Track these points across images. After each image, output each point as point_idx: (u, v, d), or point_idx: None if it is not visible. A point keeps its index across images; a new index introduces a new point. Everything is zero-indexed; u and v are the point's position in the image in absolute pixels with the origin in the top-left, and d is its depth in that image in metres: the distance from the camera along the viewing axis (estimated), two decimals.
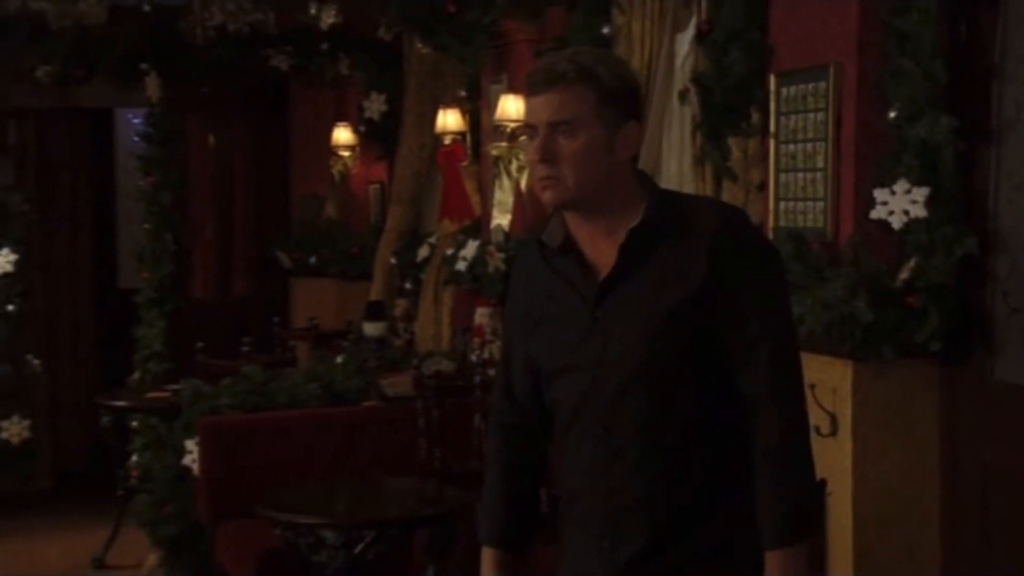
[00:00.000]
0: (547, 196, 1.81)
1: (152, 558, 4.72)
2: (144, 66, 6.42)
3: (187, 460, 4.29)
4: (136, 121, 7.10)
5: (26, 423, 6.34)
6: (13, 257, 6.33)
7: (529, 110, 1.82)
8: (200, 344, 5.33)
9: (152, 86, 6.44)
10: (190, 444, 4.27)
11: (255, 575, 3.82)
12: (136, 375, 6.41)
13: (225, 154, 7.24)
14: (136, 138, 6.83)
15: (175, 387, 4.84)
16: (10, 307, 6.33)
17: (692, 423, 1.82)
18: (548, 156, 1.77)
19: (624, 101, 1.81)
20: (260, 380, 4.36)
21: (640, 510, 1.82)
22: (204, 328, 6.42)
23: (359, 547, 3.28)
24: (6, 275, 6.32)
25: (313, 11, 4.97)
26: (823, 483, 1.90)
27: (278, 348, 6.15)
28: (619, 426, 1.82)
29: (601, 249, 1.83)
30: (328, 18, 4.87)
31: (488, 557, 2.05)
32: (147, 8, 5.59)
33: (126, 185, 7.37)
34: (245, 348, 4.96)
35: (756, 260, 1.83)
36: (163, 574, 4.49)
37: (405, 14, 4.74)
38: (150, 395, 5.37)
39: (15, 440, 6.29)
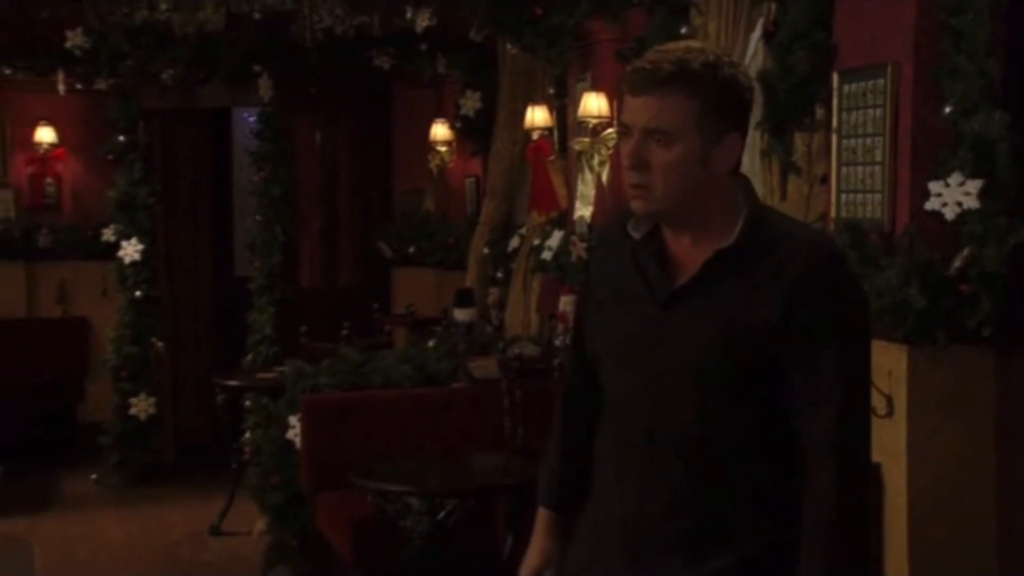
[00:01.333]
0: (636, 204, 1.72)
1: (260, 524, 5.01)
2: (257, 68, 6.65)
3: (290, 434, 4.54)
4: (251, 120, 7.34)
5: (152, 400, 6.65)
6: (140, 247, 6.64)
7: (626, 109, 1.70)
8: (304, 328, 5.57)
9: (265, 87, 6.68)
10: (293, 420, 4.52)
11: (350, 540, 4.06)
12: (249, 357, 6.59)
13: (331, 150, 7.40)
14: (250, 135, 7.04)
15: (282, 368, 5.11)
16: (137, 293, 6.65)
17: (736, 447, 1.73)
18: (639, 163, 1.68)
19: (729, 111, 1.68)
20: (357, 361, 4.59)
21: (669, 520, 1.74)
22: (311, 314, 6.51)
23: (441, 514, 3.52)
24: (134, 263, 6.65)
25: (409, 15, 5.18)
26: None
27: (377, 333, 6.28)
28: (662, 434, 1.74)
29: (686, 253, 1.74)
30: (423, 21, 5.07)
31: (542, 519, 2.03)
32: (257, 16, 5.87)
33: (241, 180, 7.62)
34: (344, 332, 5.22)
35: (840, 306, 1.70)
36: (270, 539, 4.74)
37: (494, 17, 4.91)
38: (260, 375, 5.67)
39: (142, 416, 6.63)
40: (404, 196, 7.67)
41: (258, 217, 6.84)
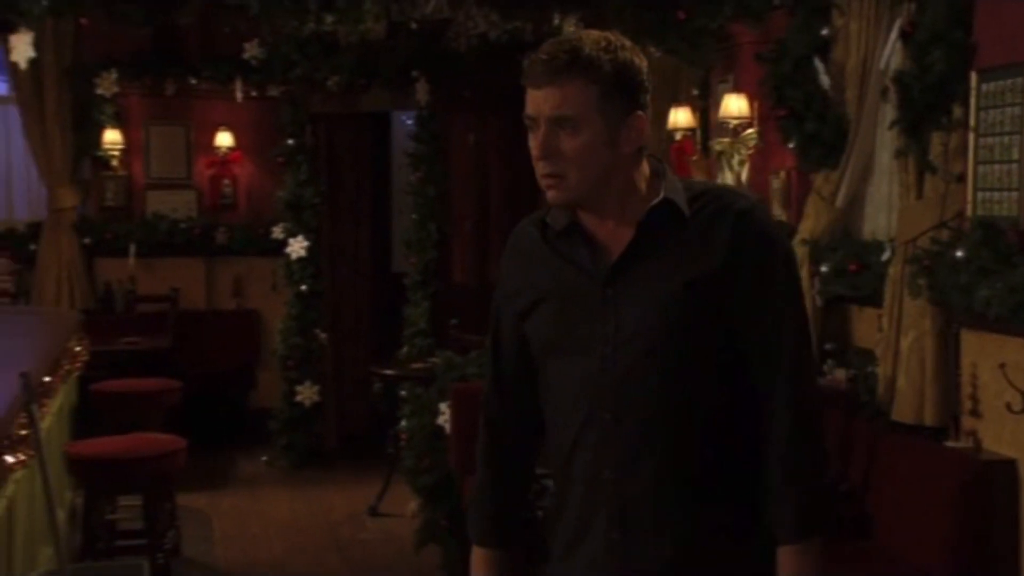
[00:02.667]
0: (552, 195, 1.71)
1: (413, 505, 5.29)
2: (415, 74, 6.92)
3: (441, 420, 4.78)
4: (408, 123, 7.57)
5: (315, 388, 6.96)
6: (306, 244, 6.95)
7: (530, 102, 1.70)
8: (454, 320, 5.77)
9: (422, 91, 6.93)
10: (443, 407, 4.76)
11: None
12: (404, 349, 6.78)
13: (483, 151, 7.52)
14: (408, 138, 7.28)
15: (434, 359, 5.35)
16: (303, 287, 6.97)
17: (706, 410, 1.72)
18: (550, 152, 1.68)
19: (628, 91, 1.68)
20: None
21: (650, 498, 1.71)
22: (462, 308, 6.70)
23: None
24: (300, 259, 6.97)
25: (556, 21, 5.32)
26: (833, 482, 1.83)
27: None
28: (628, 411, 1.71)
29: (612, 232, 1.74)
30: (569, 27, 5.18)
31: (479, 557, 1.95)
32: (413, 26, 6.11)
33: (399, 180, 7.84)
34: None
35: (775, 250, 1.74)
36: (422, 519, 4.98)
37: (638, 21, 4.99)
38: (414, 366, 5.91)
39: (307, 403, 6.94)
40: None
41: (414, 215, 7.05)
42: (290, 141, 7.13)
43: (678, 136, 5.56)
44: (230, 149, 7.83)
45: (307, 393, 7.01)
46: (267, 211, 7.55)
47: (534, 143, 1.70)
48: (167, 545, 4.63)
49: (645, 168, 1.76)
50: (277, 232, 7.14)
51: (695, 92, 5.65)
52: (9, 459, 2.88)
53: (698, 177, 5.54)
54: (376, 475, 6.02)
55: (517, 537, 1.93)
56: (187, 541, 5.28)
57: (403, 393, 5.58)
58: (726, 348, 1.72)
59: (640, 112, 1.70)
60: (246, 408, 7.68)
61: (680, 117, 5.55)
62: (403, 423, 5.35)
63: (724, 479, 1.73)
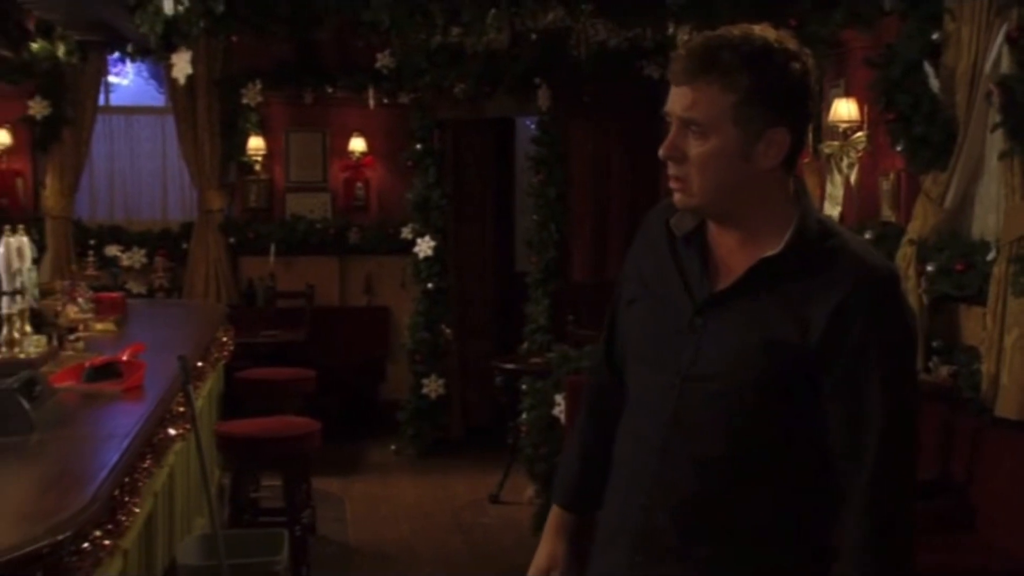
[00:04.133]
0: (676, 198, 1.61)
1: (530, 491, 5.50)
2: (537, 80, 7.14)
3: (556, 411, 4.98)
4: (531, 127, 7.78)
5: (441, 381, 7.25)
6: (433, 243, 7.23)
7: (669, 98, 1.59)
8: (572, 317, 5.94)
9: (543, 97, 7.16)
10: (559, 398, 4.97)
11: None
12: (524, 344, 6.98)
13: (603, 154, 7.66)
14: (530, 142, 7.50)
15: (552, 354, 5.56)
16: (430, 285, 7.25)
17: (752, 470, 1.58)
18: (675, 154, 1.57)
19: (774, 103, 1.53)
20: None
21: (678, 533, 1.62)
22: (581, 305, 6.87)
23: None
24: (427, 258, 7.25)
25: (671, 29, 5.46)
26: None
27: None
28: (680, 445, 1.61)
29: (730, 256, 1.62)
30: (683, 35, 5.32)
31: (553, 518, 1.91)
32: (533, 37, 6.34)
33: (522, 182, 8.08)
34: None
35: (889, 329, 1.54)
36: (539, 504, 5.18)
37: None
38: (533, 360, 6.13)
39: (433, 395, 7.23)
40: (669, 197, 7.85)
41: (535, 216, 7.24)
42: (419, 146, 7.42)
43: None
44: (363, 154, 8.16)
45: (433, 386, 7.27)
46: (397, 212, 7.83)
47: (664, 142, 1.60)
48: (304, 521, 4.99)
49: (788, 188, 1.61)
50: (406, 232, 7.45)
51: None
52: (171, 431, 3.24)
53: (809, 180, 5.63)
54: (497, 464, 6.23)
55: (596, 506, 1.81)
56: (322, 521, 5.61)
57: (523, 386, 5.71)
58: (802, 420, 1.56)
59: (784, 128, 1.54)
60: (376, 399, 7.96)
61: None
62: (523, 415, 5.49)
63: (758, 549, 1.60)
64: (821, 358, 1.53)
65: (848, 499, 1.55)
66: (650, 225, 1.76)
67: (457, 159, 7.80)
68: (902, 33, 4.61)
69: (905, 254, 4.52)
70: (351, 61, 7.70)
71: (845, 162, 4.90)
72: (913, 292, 4.39)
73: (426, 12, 5.38)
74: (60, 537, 1.82)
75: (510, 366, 6.23)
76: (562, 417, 4.96)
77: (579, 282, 7.54)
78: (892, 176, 4.96)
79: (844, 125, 4.88)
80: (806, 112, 1.59)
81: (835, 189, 5.08)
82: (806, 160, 5.63)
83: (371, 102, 7.65)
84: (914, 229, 4.58)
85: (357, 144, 8.14)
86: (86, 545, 1.95)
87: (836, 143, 4.97)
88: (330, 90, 7.85)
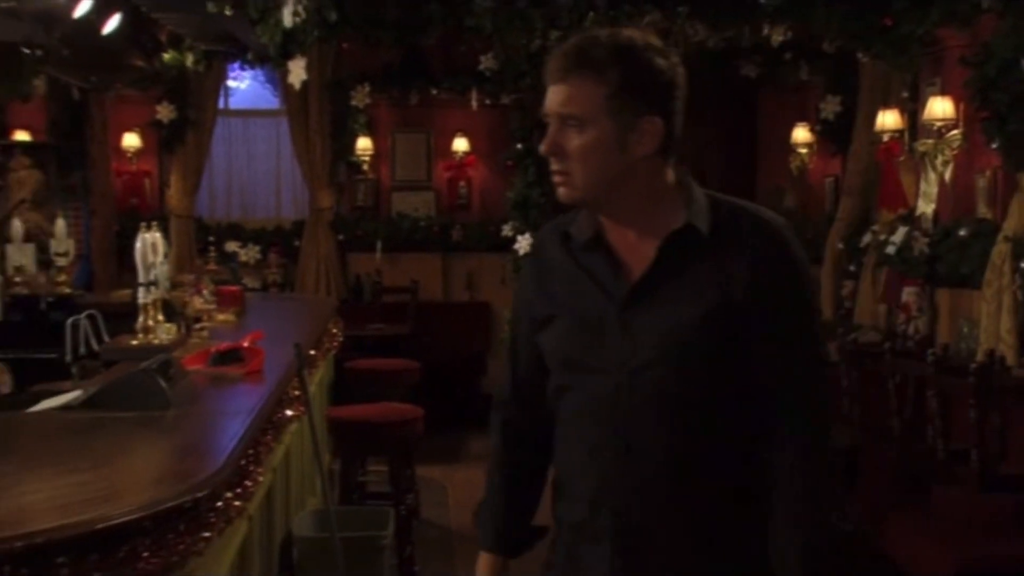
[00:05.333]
0: (560, 192, 1.67)
1: None
2: None
3: None
4: None
5: None
6: (532, 241, 7.52)
7: (547, 99, 1.66)
8: None
9: None
10: None
11: None
12: None
13: (699, 151, 7.70)
14: None
15: None
16: None
17: (724, 443, 1.64)
18: (556, 150, 1.64)
19: (644, 94, 1.60)
20: None
21: (657, 528, 1.65)
22: None
23: None
24: (526, 255, 7.53)
25: (766, 30, 5.54)
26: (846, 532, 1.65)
27: None
28: (641, 440, 1.63)
29: (635, 250, 1.67)
30: (778, 36, 5.39)
31: (484, 561, 1.89)
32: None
33: None
34: None
35: (797, 275, 1.65)
36: None
37: (846, 29, 5.16)
38: None
39: None
40: (766, 193, 7.89)
41: None
42: (519, 145, 7.55)
43: (885, 137, 5.68)
44: (466, 153, 8.40)
45: None
46: (498, 210, 8.00)
47: (544, 140, 1.67)
48: (408, 504, 5.24)
49: (669, 176, 1.68)
50: (506, 230, 7.52)
51: (905, 95, 5.74)
52: (288, 412, 3.50)
53: (904, 178, 5.65)
54: None
55: (526, 545, 1.86)
56: (425, 505, 5.85)
57: None
58: (746, 377, 1.63)
59: (657, 117, 1.61)
60: (478, 392, 8.15)
61: (888, 119, 5.67)
62: None
63: (736, 518, 1.65)
64: (748, 312, 1.60)
65: (779, 436, 1.63)
66: (542, 249, 1.80)
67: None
68: (998, 31, 4.65)
69: (1000, 251, 4.54)
70: (455, 64, 7.94)
71: (940, 160, 4.93)
72: (1008, 289, 4.42)
73: (527, 17, 5.57)
74: (199, 495, 2.07)
75: None
76: None
77: None
78: (988, 173, 4.97)
79: (939, 123, 4.92)
80: (675, 104, 1.65)
81: (929, 187, 5.11)
82: (901, 158, 5.66)
83: (474, 103, 7.87)
84: (1010, 226, 4.60)
85: (460, 144, 8.37)
86: (219, 504, 2.20)
87: (931, 141, 5.01)
88: (434, 92, 8.12)
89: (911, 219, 5.54)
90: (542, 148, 1.66)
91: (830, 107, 6.89)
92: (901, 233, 5.36)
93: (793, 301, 1.64)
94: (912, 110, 5.68)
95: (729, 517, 1.65)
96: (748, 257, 1.61)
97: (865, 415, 4.62)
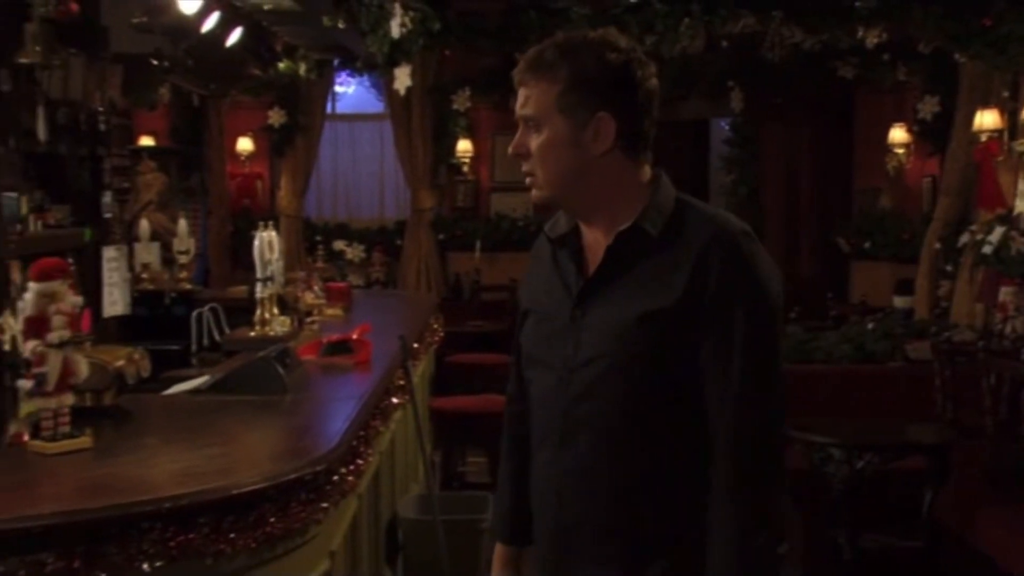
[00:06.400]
0: (532, 194, 1.71)
1: None
2: (731, 83, 7.36)
3: None
4: (724, 128, 8.01)
5: None
6: None
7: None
8: None
9: (736, 99, 7.38)
10: None
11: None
12: None
13: (794, 153, 7.81)
14: (723, 142, 7.74)
15: None
16: None
17: (659, 443, 1.62)
18: (522, 151, 1.68)
19: (592, 91, 1.61)
20: (803, 339, 5.14)
21: (587, 529, 1.66)
22: None
23: (860, 464, 3.97)
24: None
25: (860, 33, 5.57)
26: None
27: (828, 318, 6.64)
28: (573, 435, 1.66)
29: (599, 248, 1.68)
30: (873, 38, 5.42)
31: (498, 555, 1.91)
32: (724, 43, 6.55)
33: (715, 182, 8.29)
34: (792, 315, 5.79)
35: (746, 282, 1.58)
36: None
37: (942, 30, 5.17)
38: None
39: None
40: (862, 194, 7.89)
41: None
42: None
43: (983, 137, 5.65)
44: None
45: None
46: None
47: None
48: None
49: (642, 175, 1.69)
50: None
51: (1005, 94, 5.70)
52: (394, 400, 3.71)
53: (1002, 178, 5.61)
54: None
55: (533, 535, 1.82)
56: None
57: None
58: (681, 383, 1.61)
59: (607, 113, 1.62)
60: None
61: (986, 119, 5.64)
62: None
63: (668, 521, 1.63)
64: (689, 316, 1.58)
65: (715, 446, 1.59)
66: (538, 247, 1.83)
67: (653, 159, 8.01)
68: None
69: None
70: None
71: None
72: None
73: (622, 23, 5.72)
74: (318, 468, 2.29)
75: None
76: None
77: None
78: None
79: None
80: (631, 99, 1.64)
81: None
82: (1000, 158, 5.63)
83: None
84: None
85: None
86: (335, 478, 2.42)
87: None
88: None
89: (1009, 219, 5.51)
90: (509, 150, 1.71)
91: (928, 107, 6.87)
92: (999, 233, 5.34)
93: (739, 311, 1.58)
94: (1012, 109, 5.64)
95: (663, 520, 1.63)
96: (693, 261, 1.59)
97: (958, 413, 4.63)
